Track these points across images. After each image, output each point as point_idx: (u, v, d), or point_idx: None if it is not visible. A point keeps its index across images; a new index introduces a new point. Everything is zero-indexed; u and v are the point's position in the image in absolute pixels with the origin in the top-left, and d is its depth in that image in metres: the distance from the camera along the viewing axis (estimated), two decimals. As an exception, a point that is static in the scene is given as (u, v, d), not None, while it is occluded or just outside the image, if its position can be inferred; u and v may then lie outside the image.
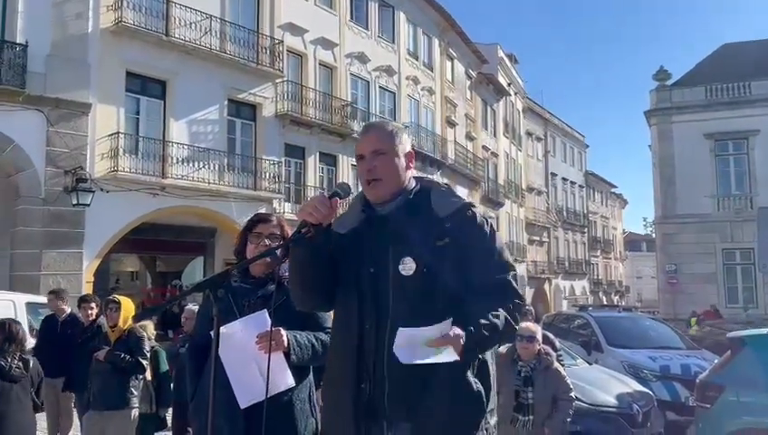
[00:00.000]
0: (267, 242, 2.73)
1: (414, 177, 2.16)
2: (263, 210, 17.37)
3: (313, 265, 2.00)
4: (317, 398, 2.73)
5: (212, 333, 2.03)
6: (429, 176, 2.36)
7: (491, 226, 2.07)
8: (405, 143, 2.12)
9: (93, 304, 6.27)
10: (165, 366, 5.67)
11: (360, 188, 2.16)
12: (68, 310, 6.92)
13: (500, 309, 1.90)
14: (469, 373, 1.92)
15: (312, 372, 2.79)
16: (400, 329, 1.81)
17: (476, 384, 1.93)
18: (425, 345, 1.76)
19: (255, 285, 2.70)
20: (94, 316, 6.15)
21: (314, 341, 2.61)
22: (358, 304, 1.98)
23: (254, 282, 2.72)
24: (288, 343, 2.48)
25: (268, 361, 2.18)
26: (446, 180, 2.27)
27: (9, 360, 4.70)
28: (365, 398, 1.92)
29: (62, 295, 7.00)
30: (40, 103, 12.96)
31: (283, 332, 2.46)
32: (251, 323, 2.50)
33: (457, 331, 1.78)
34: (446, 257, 1.93)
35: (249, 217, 2.99)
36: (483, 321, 1.85)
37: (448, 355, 1.76)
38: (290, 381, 2.52)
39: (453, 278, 1.93)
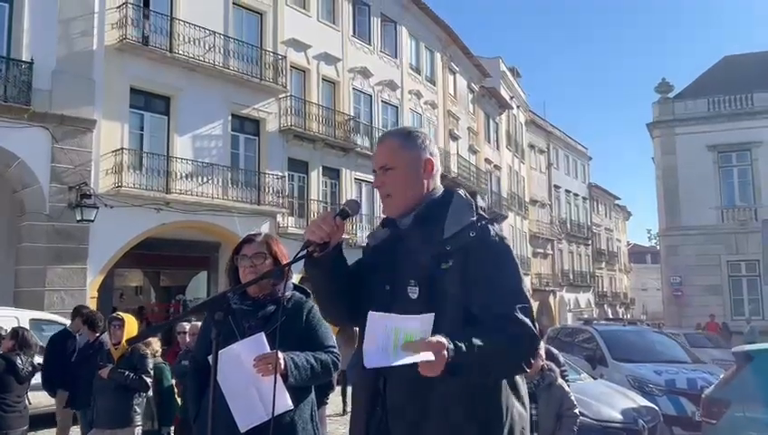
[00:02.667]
0: (252, 264, 2.72)
1: (445, 183, 2.04)
2: (266, 225, 17.41)
3: (325, 283, 1.96)
4: (320, 416, 2.72)
5: (210, 357, 2.03)
6: (458, 186, 2.09)
7: (503, 248, 1.86)
8: (420, 151, 1.97)
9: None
10: (168, 383, 5.65)
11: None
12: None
13: (502, 337, 1.71)
14: (472, 404, 1.78)
15: (313, 392, 2.78)
16: (371, 313, 1.66)
17: (476, 417, 1.78)
18: (399, 347, 1.57)
19: (255, 307, 2.70)
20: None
21: (313, 361, 2.60)
22: None
23: (254, 303, 2.71)
24: (285, 366, 2.47)
25: (274, 383, 2.17)
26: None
27: (24, 361, 5.40)
28: (376, 421, 1.87)
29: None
30: (45, 120, 13.06)
31: (281, 354, 2.45)
32: (248, 345, 2.49)
33: (441, 339, 1.60)
34: (450, 282, 1.79)
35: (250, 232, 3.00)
36: (477, 342, 1.65)
37: (424, 356, 1.57)
38: (288, 403, 2.51)
39: (457, 306, 1.79)
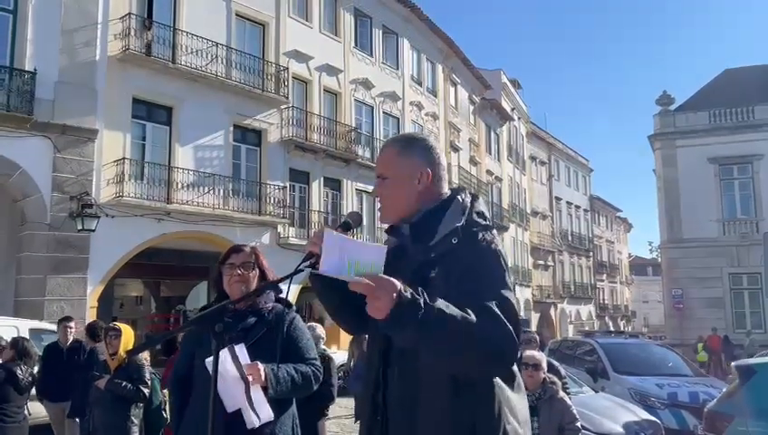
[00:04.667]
0: (240, 272, 2.72)
1: (452, 188, 1.97)
2: (267, 235, 17.39)
3: (330, 295, 1.95)
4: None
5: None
6: (463, 190, 1.97)
7: (487, 250, 1.77)
8: (417, 160, 1.90)
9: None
10: (158, 396, 5.59)
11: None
12: (71, 338, 6.93)
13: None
14: (462, 415, 1.72)
15: (294, 405, 2.76)
16: (327, 229, 1.64)
17: (467, 429, 1.72)
18: (350, 271, 1.54)
19: (236, 319, 2.67)
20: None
21: (294, 373, 2.59)
22: (380, 334, 1.89)
23: (235, 315, 2.69)
24: (265, 377, 2.45)
25: (270, 394, 2.15)
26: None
27: (24, 371, 5.34)
28: (377, 431, 1.85)
29: (70, 324, 7.04)
30: (47, 130, 13.08)
31: (261, 365, 2.44)
32: (230, 356, 2.46)
33: (396, 281, 1.51)
34: (437, 291, 1.68)
35: (253, 244, 3.01)
36: (442, 305, 1.54)
37: (364, 290, 1.51)
38: (269, 413, 2.48)
39: None
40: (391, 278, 1.53)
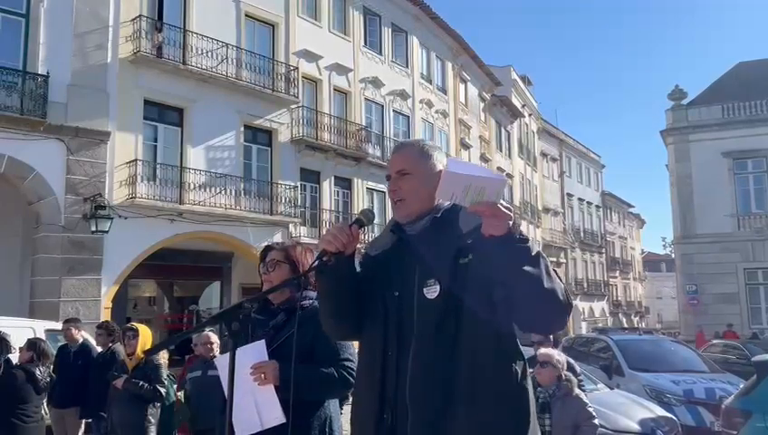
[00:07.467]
0: (266, 272, 2.68)
1: None
2: (278, 235, 17.44)
3: (339, 294, 1.95)
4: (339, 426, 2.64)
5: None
6: None
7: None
8: (436, 163, 2.02)
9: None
10: (172, 396, 5.63)
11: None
12: (80, 339, 6.91)
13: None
14: (497, 401, 1.78)
15: (331, 405, 2.67)
16: (451, 158, 1.84)
17: (504, 414, 1.80)
18: (468, 192, 1.68)
19: (269, 316, 2.64)
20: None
21: (315, 376, 2.46)
22: (383, 330, 1.90)
23: (268, 312, 2.66)
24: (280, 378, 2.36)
25: (291, 393, 2.10)
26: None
27: (42, 372, 5.43)
28: (386, 429, 1.83)
29: (75, 325, 7.01)
30: (60, 132, 13.20)
31: (276, 365, 2.36)
32: (248, 352, 2.40)
33: (508, 208, 1.71)
34: (470, 276, 1.80)
35: (265, 243, 2.98)
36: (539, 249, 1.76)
37: (485, 209, 1.68)
38: (280, 416, 2.36)
39: (479, 298, 1.79)
40: (508, 206, 1.72)
